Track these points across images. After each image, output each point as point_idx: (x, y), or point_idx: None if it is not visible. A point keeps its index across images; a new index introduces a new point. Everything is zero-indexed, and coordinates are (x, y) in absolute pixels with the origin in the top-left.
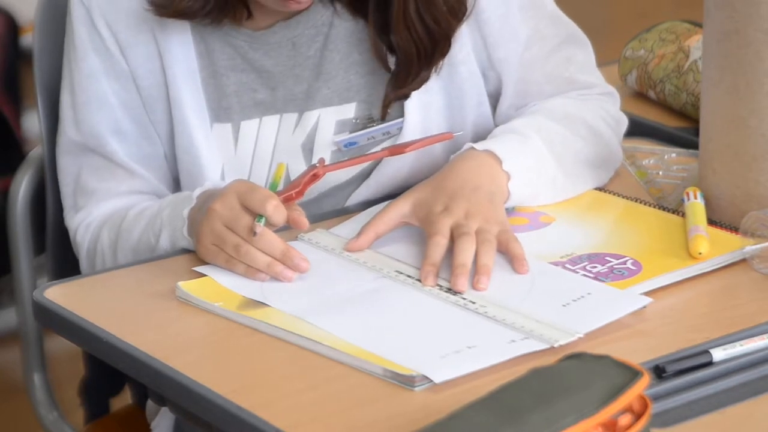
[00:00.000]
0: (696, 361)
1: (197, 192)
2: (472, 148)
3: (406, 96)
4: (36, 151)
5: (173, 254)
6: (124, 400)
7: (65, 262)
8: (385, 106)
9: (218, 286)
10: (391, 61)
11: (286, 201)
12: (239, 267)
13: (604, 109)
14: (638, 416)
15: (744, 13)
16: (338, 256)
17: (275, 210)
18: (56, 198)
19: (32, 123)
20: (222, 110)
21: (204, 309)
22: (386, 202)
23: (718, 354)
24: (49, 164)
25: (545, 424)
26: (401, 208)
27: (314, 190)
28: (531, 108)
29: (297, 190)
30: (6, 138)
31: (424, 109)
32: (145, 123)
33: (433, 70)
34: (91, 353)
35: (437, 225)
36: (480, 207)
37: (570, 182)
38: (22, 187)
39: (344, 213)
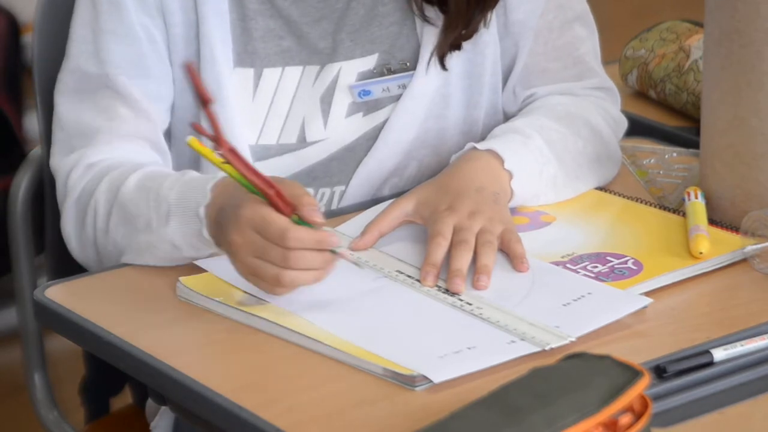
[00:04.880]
0: (697, 361)
1: (209, 185)
2: (474, 148)
3: (458, 47)
4: (36, 151)
5: None
6: (124, 399)
7: (65, 262)
8: (441, 56)
9: (219, 282)
10: (430, 12)
11: (289, 211)
12: (283, 292)
13: (604, 109)
14: (639, 416)
15: (745, 13)
16: None
17: (298, 239)
18: (56, 198)
19: (32, 123)
20: (246, 55)
21: (204, 306)
22: (389, 201)
23: (718, 354)
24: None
25: (546, 424)
26: (405, 206)
27: (322, 152)
28: (532, 105)
29: (273, 191)
30: (6, 138)
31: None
32: (165, 64)
33: (483, 22)
34: (91, 353)
35: (440, 225)
36: (484, 207)
37: (571, 182)
38: (22, 187)
39: (347, 212)
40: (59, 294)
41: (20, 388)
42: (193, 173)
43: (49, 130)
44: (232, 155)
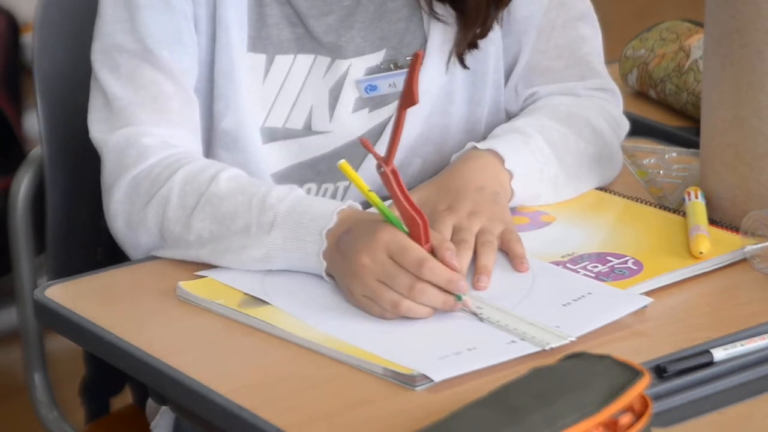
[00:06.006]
0: (697, 361)
1: (336, 209)
2: (475, 147)
3: (475, 45)
4: (36, 151)
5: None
6: (124, 399)
7: (65, 262)
8: (460, 55)
9: (219, 285)
10: (439, 8)
11: (427, 247)
12: (394, 317)
13: (607, 110)
14: (639, 416)
15: (745, 13)
16: None
17: (433, 271)
18: (56, 198)
19: (32, 123)
20: (260, 41)
21: (205, 308)
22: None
23: (718, 354)
24: (49, 164)
25: (546, 424)
26: None
27: (327, 145)
28: (534, 105)
29: (422, 221)
30: (6, 138)
31: (448, 61)
32: (195, 40)
33: (497, 19)
34: (91, 353)
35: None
36: (484, 207)
37: (571, 182)
38: (22, 186)
39: None
40: (59, 294)
41: (20, 388)
42: (301, 191)
43: (49, 129)
44: (393, 176)
